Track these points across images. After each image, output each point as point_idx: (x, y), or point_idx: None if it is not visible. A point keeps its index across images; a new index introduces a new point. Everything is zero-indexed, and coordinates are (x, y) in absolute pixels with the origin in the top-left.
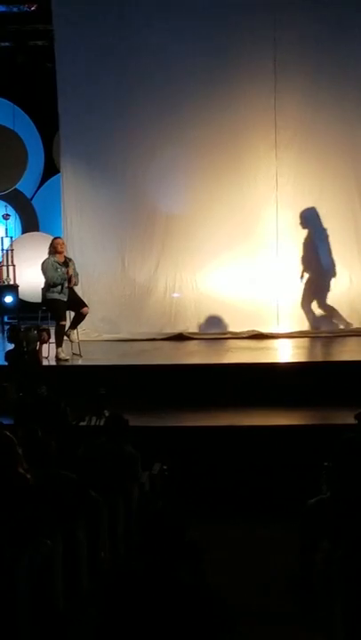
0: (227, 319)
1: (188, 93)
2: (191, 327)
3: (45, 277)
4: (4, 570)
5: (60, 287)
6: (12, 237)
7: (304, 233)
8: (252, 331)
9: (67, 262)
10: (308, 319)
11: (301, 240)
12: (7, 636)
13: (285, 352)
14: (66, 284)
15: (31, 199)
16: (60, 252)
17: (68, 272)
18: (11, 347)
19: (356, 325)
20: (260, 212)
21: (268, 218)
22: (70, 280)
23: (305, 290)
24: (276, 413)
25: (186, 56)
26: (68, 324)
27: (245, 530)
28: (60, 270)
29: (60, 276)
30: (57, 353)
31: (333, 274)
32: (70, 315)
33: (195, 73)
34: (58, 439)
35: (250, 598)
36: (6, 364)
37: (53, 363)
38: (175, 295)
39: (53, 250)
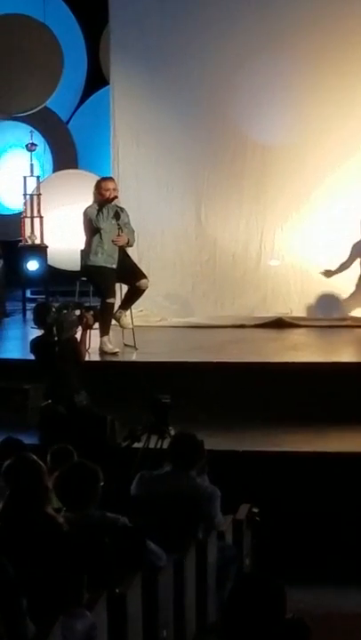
0: (346, 299)
1: None
2: (296, 309)
3: (87, 232)
4: None
5: (107, 249)
6: (38, 177)
7: None
8: None
9: (118, 213)
10: None
11: None
12: None
13: None
14: (115, 244)
15: (67, 122)
16: (109, 199)
17: (119, 232)
18: (38, 333)
19: None
20: None
21: None
22: (122, 239)
23: None
24: None
25: None
26: (118, 302)
27: None
28: (110, 220)
29: (110, 227)
30: (101, 343)
31: None
32: (122, 289)
33: None
34: (103, 467)
35: None
36: (32, 357)
37: (96, 357)
38: (273, 263)
39: (99, 196)
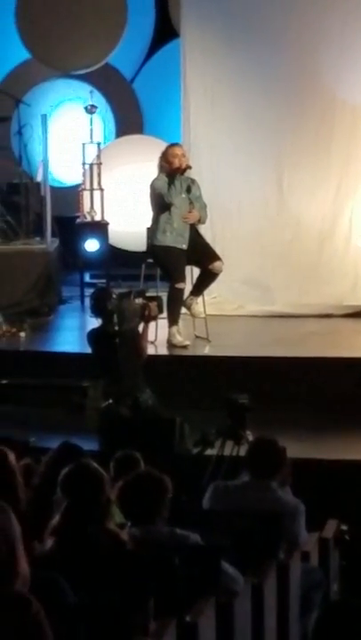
0: None
1: None
2: None
3: (154, 207)
4: None
5: (177, 227)
6: (99, 144)
7: None
8: None
9: (189, 186)
10: None
11: None
12: None
13: None
14: (186, 221)
15: (131, 81)
16: (179, 168)
17: (190, 208)
18: (96, 323)
19: None
20: None
21: None
22: (194, 215)
23: None
24: None
25: None
26: (188, 288)
27: None
28: (181, 194)
29: (180, 202)
30: (169, 335)
31: None
32: (193, 273)
33: None
34: (171, 476)
35: None
36: (89, 351)
37: (164, 350)
38: None
39: (167, 164)
